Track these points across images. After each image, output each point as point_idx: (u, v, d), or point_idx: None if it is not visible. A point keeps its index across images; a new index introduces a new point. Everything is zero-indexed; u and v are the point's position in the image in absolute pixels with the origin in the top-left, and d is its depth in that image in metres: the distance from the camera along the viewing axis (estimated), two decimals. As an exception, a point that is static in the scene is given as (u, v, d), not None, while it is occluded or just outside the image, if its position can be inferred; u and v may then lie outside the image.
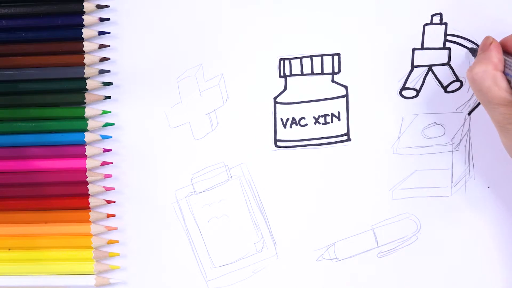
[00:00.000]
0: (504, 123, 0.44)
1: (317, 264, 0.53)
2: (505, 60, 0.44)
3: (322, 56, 0.51)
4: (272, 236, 0.53)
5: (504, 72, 0.44)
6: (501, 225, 0.52)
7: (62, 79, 0.52)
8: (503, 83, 0.43)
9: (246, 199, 0.53)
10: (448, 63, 0.51)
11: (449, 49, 0.50)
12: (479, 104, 0.51)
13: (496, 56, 0.44)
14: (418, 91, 0.51)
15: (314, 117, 0.52)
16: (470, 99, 0.51)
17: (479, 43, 0.50)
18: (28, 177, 0.53)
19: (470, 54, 0.50)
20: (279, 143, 0.52)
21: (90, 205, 0.53)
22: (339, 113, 0.52)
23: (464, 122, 0.51)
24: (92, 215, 0.53)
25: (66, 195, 0.53)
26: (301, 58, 0.51)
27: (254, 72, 0.52)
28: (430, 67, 0.51)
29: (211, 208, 0.53)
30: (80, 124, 0.52)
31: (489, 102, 0.44)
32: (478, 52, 0.46)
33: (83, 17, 0.51)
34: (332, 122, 0.52)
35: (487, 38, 0.46)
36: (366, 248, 0.53)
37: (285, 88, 0.52)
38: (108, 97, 0.52)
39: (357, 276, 0.53)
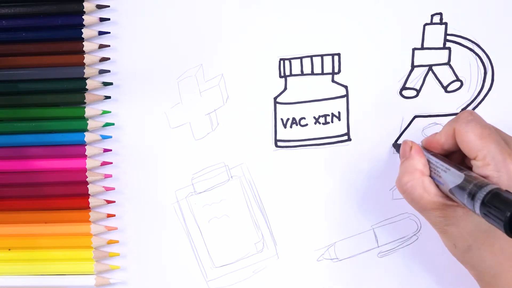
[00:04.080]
0: (442, 225, 0.43)
1: (318, 264, 0.53)
2: (429, 162, 0.44)
3: (322, 56, 0.51)
4: (272, 236, 0.53)
5: (430, 176, 0.43)
6: (501, 225, 0.52)
7: (62, 79, 0.52)
8: (432, 188, 0.43)
9: (246, 199, 0.53)
10: (448, 63, 0.51)
11: (449, 49, 0.50)
12: (479, 104, 0.51)
13: (419, 161, 0.44)
14: (418, 91, 0.51)
15: (314, 117, 0.52)
16: (470, 99, 0.51)
17: (479, 42, 0.50)
18: (28, 177, 0.53)
19: (394, 149, 0.51)
20: (279, 143, 0.52)
21: (90, 205, 0.53)
22: (339, 113, 0.52)
23: (464, 122, 0.51)
24: (92, 215, 0.53)
25: (66, 195, 0.53)
26: (301, 58, 0.51)
27: (254, 72, 0.52)
28: (430, 67, 0.51)
29: (212, 208, 0.53)
30: (80, 124, 0.52)
31: (424, 209, 0.44)
32: (400, 159, 0.46)
33: (83, 17, 0.51)
34: (332, 122, 0.52)
35: (405, 143, 0.46)
36: (366, 248, 0.53)
37: (285, 88, 0.52)
38: (108, 97, 0.52)
39: (357, 276, 0.53)
